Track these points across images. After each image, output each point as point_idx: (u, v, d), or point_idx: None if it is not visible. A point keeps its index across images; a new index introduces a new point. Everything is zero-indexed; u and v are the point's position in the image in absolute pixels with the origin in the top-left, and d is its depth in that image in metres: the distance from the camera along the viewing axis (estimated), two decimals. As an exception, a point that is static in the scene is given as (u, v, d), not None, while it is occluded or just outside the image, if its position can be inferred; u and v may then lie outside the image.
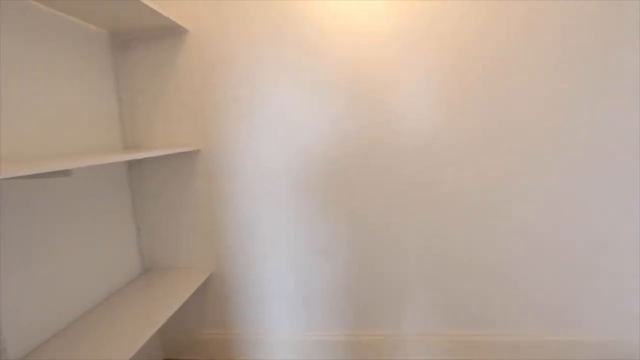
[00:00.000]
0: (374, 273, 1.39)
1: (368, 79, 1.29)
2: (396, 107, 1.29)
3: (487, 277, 1.33)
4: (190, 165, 1.45)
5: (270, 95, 1.35)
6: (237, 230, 1.46)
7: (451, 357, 1.36)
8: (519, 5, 1.17)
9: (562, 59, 1.18)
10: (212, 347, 1.52)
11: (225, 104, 1.39)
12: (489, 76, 1.23)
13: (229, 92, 1.38)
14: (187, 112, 1.42)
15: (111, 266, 1.32)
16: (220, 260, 1.50)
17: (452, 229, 1.32)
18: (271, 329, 1.49)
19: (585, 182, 1.22)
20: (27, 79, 0.99)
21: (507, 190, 1.27)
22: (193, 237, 1.50)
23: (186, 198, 1.47)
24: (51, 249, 1.03)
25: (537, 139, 1.23)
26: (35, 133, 1.00)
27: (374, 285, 1.40)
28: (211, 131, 1.42)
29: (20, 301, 0.92)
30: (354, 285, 1.41)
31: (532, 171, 1.25)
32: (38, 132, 1.01)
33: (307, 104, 1.34)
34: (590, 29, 1.16)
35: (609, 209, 1.23)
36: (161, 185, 1.48)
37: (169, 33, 1.37)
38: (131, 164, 1.47)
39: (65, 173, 0.75)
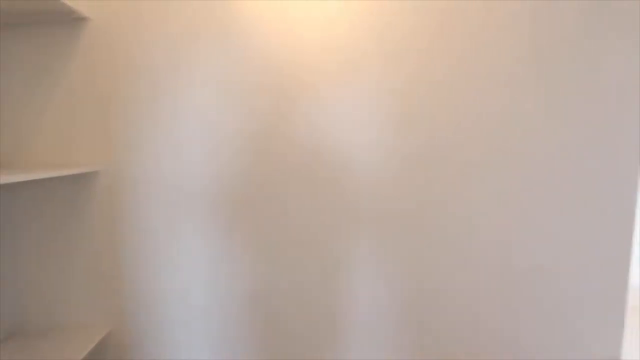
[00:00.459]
0: (309, 319, 1.14)
1: (305, 95, 1.08)
2: (335, 125, 1.09)
3: (434, 303, 1.14)
4: (85, 191, 1.12)
5: (189, 105, 1.09)
6: (145, 274, 1.14)
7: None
8: (468, 22, 1.06)
9: (511, 74, 1.08)
10: None
11: (134, 113, 1.09)
12: (436, 92, 1.08)
13: (140, 99, 1.09)
14: (84, 121, 1.10)
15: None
16: (122, 315, 1.15)
17: (398, 252, 1.12)
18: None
19: (535, 201, 1.10)
20: None
21: (454, 210, 1.11)
22: (84, 286, 1.14)
23: (77, 234, 1.12)
24: None
25: (487, 155, 1.09)
26: None
27: (309, 329, 1.15)
28: (115, 147, 1.10)
29: None
30: (288, 334, 1.15)
31: (481, 189, 1.10)
32: None
33: (231, 119, 1.09)
34: (537, 47, 1.08)
35: (556, 232, 1.12)
36: (41, 217, 1.12)
37: (62, 20, 1.06)
38: (-1, 188, 1.10)
39: None
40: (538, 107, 1.09)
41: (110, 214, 1.12)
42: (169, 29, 1.07)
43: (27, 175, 0.80)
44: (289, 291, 1.14)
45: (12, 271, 1.13)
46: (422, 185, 1.10)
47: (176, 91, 1.08)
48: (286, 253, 1.12)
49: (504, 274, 1.13)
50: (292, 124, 1.09)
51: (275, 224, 1.11)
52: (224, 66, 1.07)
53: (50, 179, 1.11)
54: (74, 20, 1.07)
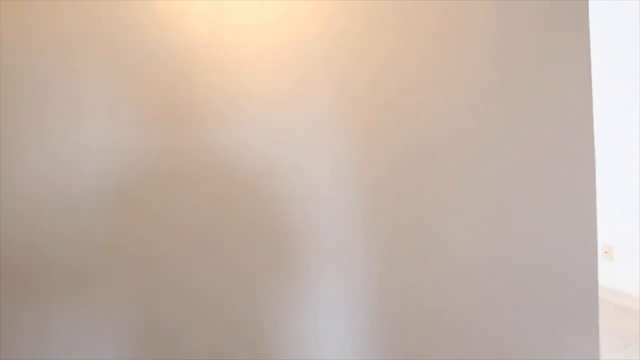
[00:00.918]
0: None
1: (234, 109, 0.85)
2: (279, 147, 0.89)
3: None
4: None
5: (60, 123, 0.73)
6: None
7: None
8: (427, 34, 1.06)
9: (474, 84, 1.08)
10: None
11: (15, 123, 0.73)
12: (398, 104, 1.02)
13: (24, 107, 0.73)
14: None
15: None
16: None
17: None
18: None
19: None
20: None
21: (429, 224, 1.09)
22: None
23: None
24: None
25: (457, 169, 1.11)
26: None
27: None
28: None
29: None
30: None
31: (453, 201, 1.10)
32: None
33: (130, 136, 0.84)
34: (499, 60, 1.12)
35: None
36: None
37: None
38: None
39: None
40: (501, 115, 1.08)
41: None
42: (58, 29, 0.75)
43: None
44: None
45: None
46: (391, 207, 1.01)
47: (64, 96, 0.76)
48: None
49: (480, 281, 1.10)
50: (218, 146, 0.84)
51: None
52: (123, 74, 0.79)
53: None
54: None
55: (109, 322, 0.79)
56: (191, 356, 0.86)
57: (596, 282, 1.26)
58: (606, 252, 2.47)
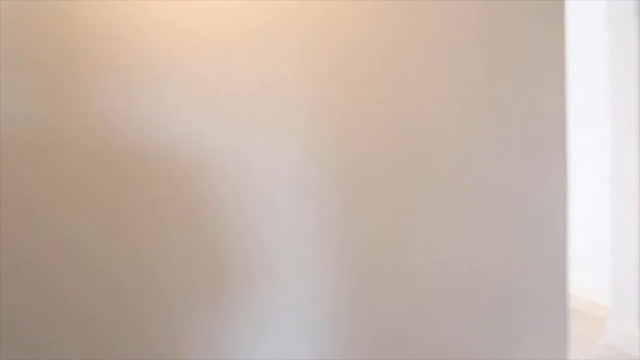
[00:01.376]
0: None
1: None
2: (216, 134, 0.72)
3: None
4: None
5: None
6: None
7: None
8: (409, 30, 0.92)
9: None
10: None
11: None
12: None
13: None
14: None
15: None
16: None
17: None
18: None
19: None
20: None
21: (386, 226, 0.95)
22: None
23: None
24: None
25: (420, 168, 0.98)
26: None
27: None
28: None
29: None
30: None
31: (412, 202, 0.95)
32: None
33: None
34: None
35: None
36: None
37: None
38: None
39: None
40: (478, 120, 1.01)
41: None
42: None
43: None
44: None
45: None
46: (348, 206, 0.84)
47: None
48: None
49: (442, 283, 1.00)
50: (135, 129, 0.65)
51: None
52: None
53: None
54: None
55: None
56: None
57: (566, 292, 1.23)
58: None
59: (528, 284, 1.16)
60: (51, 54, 0.62)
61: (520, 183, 1.14)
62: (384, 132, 0.89)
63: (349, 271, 0.86)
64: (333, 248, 0.83)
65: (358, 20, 0.86)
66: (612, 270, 1.87)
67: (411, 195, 0.93)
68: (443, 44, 0.97)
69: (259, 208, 0.73)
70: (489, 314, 1.07)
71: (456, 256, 1.00)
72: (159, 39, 0.67)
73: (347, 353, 0.87)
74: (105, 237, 0.66)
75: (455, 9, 1.01)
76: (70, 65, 0.63)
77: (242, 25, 0.72)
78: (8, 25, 0.60)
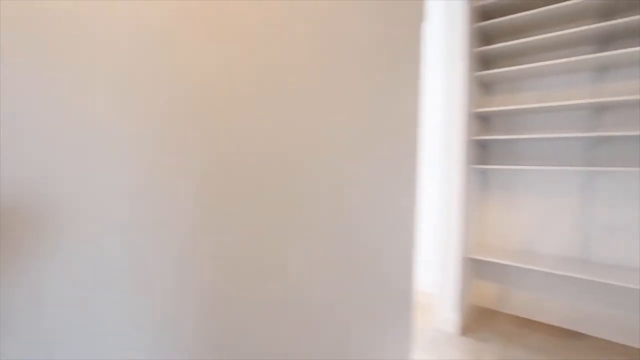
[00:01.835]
0: None
1: None
2: None
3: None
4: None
5: None
6: None
7: None
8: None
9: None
10: None
11: None
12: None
13: None
14: None
15: None
16: None
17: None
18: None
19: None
20: None
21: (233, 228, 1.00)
22: None
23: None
24: None
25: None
26: None
27: None
28: None
29: None
30: None
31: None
32: None
33: None
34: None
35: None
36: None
37: None
38: None
39: None
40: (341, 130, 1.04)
41: None
42: None
43: None
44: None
45: None
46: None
47: None
48: None
49: (298, 289, 0.95)
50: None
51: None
52: None
53: None
54: None
55: None
56: None
57: (413, 290, 1.40)
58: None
59: (380, 287, 1.25)
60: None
61: (377, 193, 1.23)
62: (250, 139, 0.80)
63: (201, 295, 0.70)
64: (184, 269, 0.67)
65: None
66: (438, 263, 2.25)
67: (266, 211, 0.85)
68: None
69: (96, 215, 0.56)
70: (345, 320, 1.08)
71: (320, 277, 0.99)
72: None
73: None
74: None
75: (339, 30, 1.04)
76: None
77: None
78: None
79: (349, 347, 1.10)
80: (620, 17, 1.81)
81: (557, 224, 2.21)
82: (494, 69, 2.26)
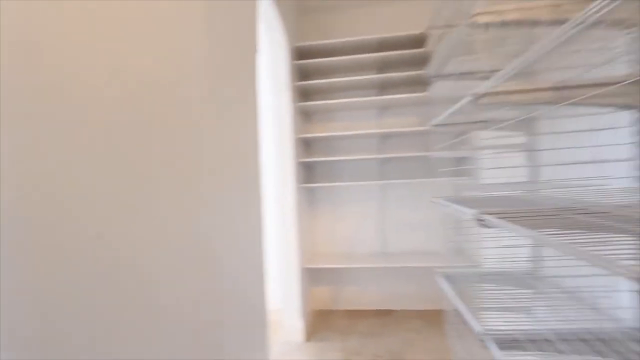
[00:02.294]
0: None
1: None
2: None
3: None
4: None
5: None
6: None
7: None
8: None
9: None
10: None
11: None
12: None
13: None
14: None
15: None
16: None
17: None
18: None
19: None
20: None
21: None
22: None
23: None
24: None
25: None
26: None
27: None
28: None
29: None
30: None
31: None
32: None
33: None
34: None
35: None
36: None
37: None
38: None
39: None
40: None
41: None
42: None
43: None
44: None
45: None
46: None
47: None
48: None
49: (137, 304, 0.98)
50: None
51: None
52: None
53: None
54: None
55: None
56: None
57: (266, 308, 1.47)
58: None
59: (233, 307, 1.25)
60: None
61: (227, 213, 1.24)
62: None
63: None
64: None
65: None
66: (281, 277, 2.38)
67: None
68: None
69: None
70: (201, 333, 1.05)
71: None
72: None
73: None
74: None
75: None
76: None
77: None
78: None
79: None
80: (391, 72, 2.52)
81: (367, 227, 2.77)
82: (312, 101, 2.66)
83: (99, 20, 0.76)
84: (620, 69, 0.79)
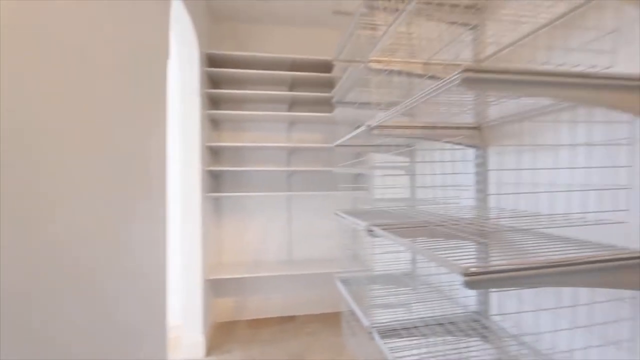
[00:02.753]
0: None
1: None
2: None
3: None
4: None
5: None
6: None
7: None
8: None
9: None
10: None
11: None
12: None
13: None
14: None
15: None
16: None
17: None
18: None
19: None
20: None
21: None
22: None
23: None
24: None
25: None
26: None
27: None
28: None
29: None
30: None
31: None
32: None
33: None
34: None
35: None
36: None
37: None
38: None
39: None
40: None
41: None
42: None
43: None
44: None
45: None
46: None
47: None
48: None
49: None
50: None
51: None
52: None
53: None
54: None
55: None
56: None
57: (166, 327, 1.44)
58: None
59: (134, 323, 1.22)
60: None
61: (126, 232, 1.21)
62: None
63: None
64: None
65: None
66: (182, 294, 2.28)
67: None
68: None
69: None
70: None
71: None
72: None
73: None
74: None
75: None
76: None
77: None
78: None
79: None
80: (302, 91, 2.68)
81: (273, 237, 2.85)
82: (223, 109, 2.64)
83: (3, 27, 0.69)
84: (467, 118, 1.06)
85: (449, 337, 0.94)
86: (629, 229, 0.64)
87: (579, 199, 0.73)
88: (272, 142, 2.77)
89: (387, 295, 1.30)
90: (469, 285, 0.53)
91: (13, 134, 0.72)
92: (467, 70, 0.49)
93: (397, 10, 0.87)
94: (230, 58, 2.58)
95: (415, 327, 0.97)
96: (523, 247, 0.74)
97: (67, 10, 0.89)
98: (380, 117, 0.96)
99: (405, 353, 0.91)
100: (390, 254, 1.48)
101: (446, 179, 1.18)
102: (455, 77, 0.50)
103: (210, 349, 2.31)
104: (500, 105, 0.94)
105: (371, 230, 0.96)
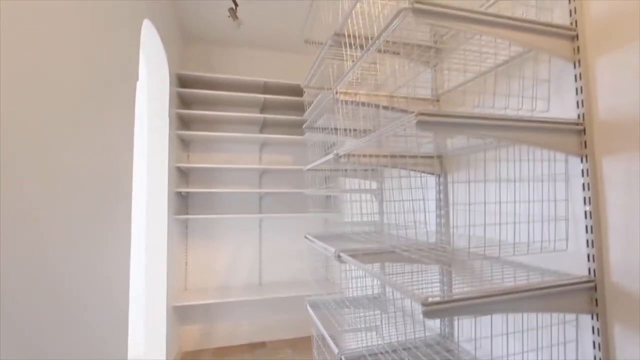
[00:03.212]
0: None
1: None
2: None
3: None
4: None
5: None
6: None
7: None
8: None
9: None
10: None
11: None
12: None
13: None
14: None
15: None
16: None
17: None
18: None
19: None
20: None
21: None
22: None
23: None
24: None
25: None
26: None
27: None
28: None
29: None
30: None
31: None
32: None
33: None
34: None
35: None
36: None
37: None
38: None
39: None
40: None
41: None
42: None
43: None
44: None
45: None
46: None
47: None
48: None
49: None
50: None
51: None
52: None
53: None
54: None
55: None
56: None
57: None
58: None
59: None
60: None
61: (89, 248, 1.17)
62: None
63: None
64: None
65: None
66: (145, 322, 2.17)
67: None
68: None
69: None
70: None
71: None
72: None
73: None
74: None
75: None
76: None
77: None
78: None
79: None
80: (273, 113, 2.72)
81: (243, 259, 2.79)
82: (193, 130, 2.61)
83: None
84: (429, 148, 1.12)
85: (415, 362, 0.96)
86: (568, 256, 0.70)
87: (526, 226, 0.79)
88: (243, 163, 2.76)
89: (357, 319, 1.31)
90: (428, 314, 0.56)
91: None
92: (421, 114, 0.53)
93: (362, 47, 0.93)
94: (202, 80, 2.58)
95: (382, 352, 0.99)
96: (479, 272, 0.78)
97: (34, 31, 0.88)
98: (347, 146, 0.99)
99: (373, 380, 0.92)
100: (360, 278, 1.50)
101: (413, 204, 1.23)
102: (411, 119, 0.54)
103: (174, 381, 2.19)
104: (456, 138, 1.00)
105: (339, 256, 0.98)
